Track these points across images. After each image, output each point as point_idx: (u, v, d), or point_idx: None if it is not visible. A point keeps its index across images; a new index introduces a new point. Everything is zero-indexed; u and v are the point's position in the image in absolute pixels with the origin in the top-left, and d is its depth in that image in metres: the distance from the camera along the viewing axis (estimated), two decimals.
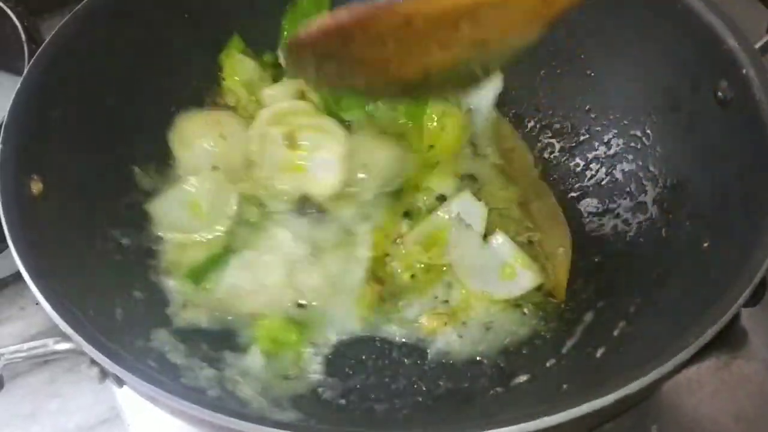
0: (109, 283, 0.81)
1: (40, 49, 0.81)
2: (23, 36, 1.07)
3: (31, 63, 0.80)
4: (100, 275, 0.80)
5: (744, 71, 0.78)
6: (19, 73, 0.88)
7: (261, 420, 0.59)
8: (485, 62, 0.70)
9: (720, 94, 0.82)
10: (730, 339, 0.91)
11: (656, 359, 0.60)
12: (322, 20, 0.68)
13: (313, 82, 0.78)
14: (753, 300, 0.89)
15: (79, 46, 0.85)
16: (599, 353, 0.82)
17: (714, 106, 0.82)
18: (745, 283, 0.64)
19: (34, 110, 0.79)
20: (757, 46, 0.86)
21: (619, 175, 0.97)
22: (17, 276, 0.80)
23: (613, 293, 0.88)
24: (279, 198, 0.96)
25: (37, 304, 0.67)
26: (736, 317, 0.92)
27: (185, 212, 0.92)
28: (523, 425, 0.56)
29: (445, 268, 0.93)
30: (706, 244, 0.79)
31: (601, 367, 0.80)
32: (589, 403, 0.58)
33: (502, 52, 0.69)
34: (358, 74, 0.70)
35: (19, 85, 0.79)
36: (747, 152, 0.77)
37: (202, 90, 1.02)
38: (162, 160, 0.97)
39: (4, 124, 0.77)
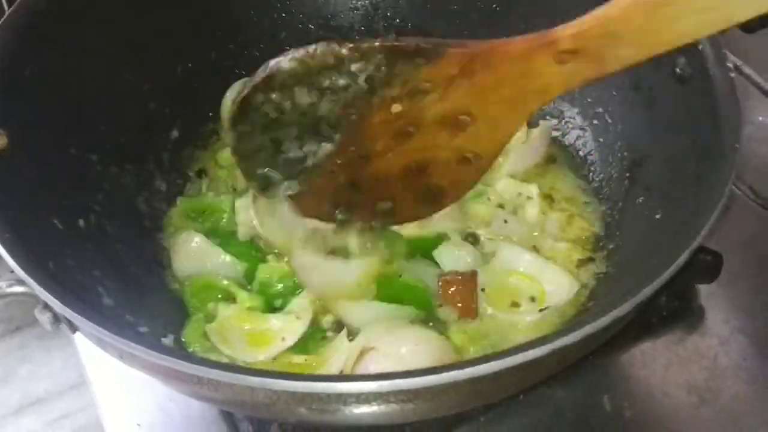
0: (72, 244, 0.80)
1: (13, 6, 0.82)
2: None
3: (2, 20, 0.81)
4: (65, 235, 0.80)
5: (700, 47, 0.80)
6: None
7: (212, 364, 0.60)
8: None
9: (678, 70, 0.83)
10: (686, 315, 0.93)
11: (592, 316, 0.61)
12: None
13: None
14: (709, 277, 0.90)
15: (54, 5, 0.86)
16: None
17: (673, 83, 0.84)
18: (681, 250, 0.65)
19: (3, 65, 0.79)
20: None
21: (581, 151, 0.98)
22: None
23: None
24: None
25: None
26: (693, 294, 0.94)
27: None
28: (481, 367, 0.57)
29: None
30: (658, 216, 0.80)
31: None
32: (523, 353, 0.59)
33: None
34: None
35: None
36: (700, 126, 0.78)
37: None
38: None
39: None
